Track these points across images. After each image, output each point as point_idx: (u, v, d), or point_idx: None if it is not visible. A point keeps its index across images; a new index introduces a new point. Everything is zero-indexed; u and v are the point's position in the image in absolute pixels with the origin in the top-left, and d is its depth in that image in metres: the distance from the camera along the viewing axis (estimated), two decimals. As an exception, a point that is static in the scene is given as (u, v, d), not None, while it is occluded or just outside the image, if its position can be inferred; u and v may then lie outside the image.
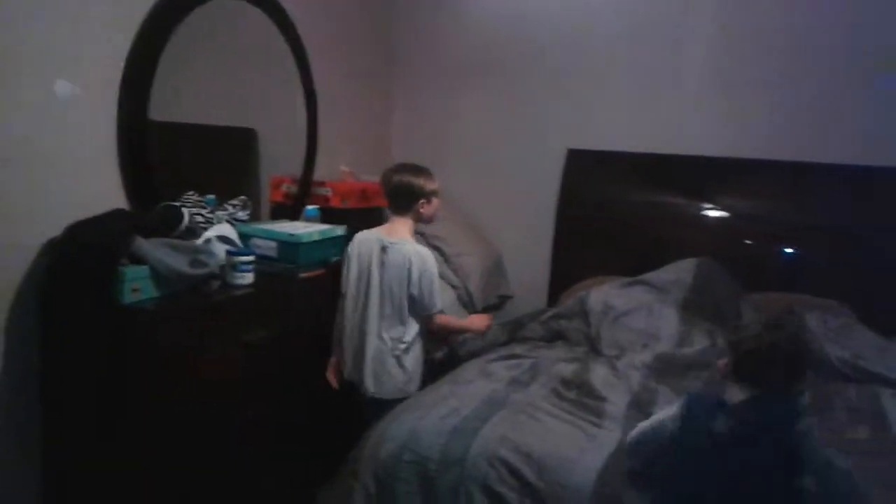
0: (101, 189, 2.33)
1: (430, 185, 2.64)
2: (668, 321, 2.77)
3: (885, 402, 2.35)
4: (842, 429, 2.14)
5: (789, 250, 3.45)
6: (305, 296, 2.63)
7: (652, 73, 3.76)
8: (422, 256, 2.55)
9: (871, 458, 1.91)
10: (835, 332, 2.82)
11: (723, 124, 3.64)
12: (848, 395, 2.39)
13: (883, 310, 3.08)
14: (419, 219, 2.65)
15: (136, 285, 2.03)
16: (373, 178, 3.53)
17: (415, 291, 2.50)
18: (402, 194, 2.61)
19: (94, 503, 2.09)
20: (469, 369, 2.49)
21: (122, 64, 2.35)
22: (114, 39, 2.32)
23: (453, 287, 3.66)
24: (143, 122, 2.39)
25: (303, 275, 2.59)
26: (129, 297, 2.02)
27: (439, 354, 3.03)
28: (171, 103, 2.51)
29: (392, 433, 2.00)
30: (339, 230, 2.81)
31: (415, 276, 2.50)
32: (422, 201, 2.61)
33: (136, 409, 2.04)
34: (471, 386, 2.28)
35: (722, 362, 1.85)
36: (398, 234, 2.59)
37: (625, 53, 3.80)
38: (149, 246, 2.08)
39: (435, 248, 3.65)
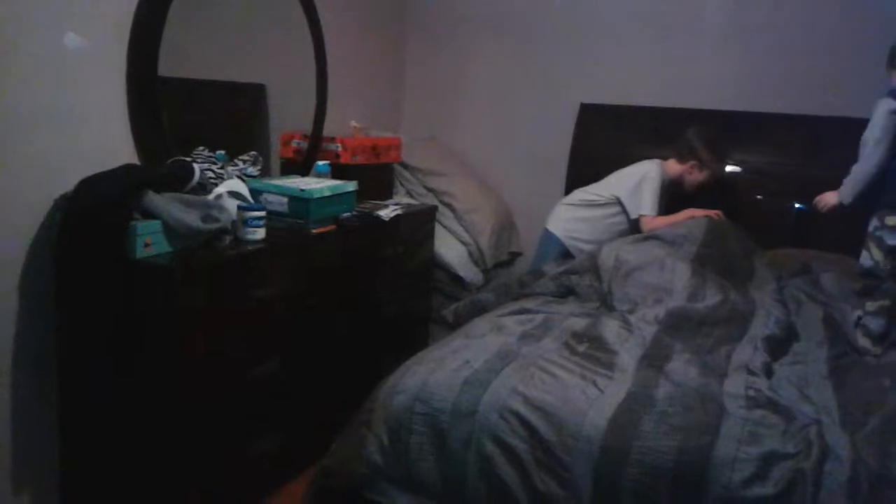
0: (111, 144, 2.34)
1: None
2: (680, 275, 2.76)
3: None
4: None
5: (801, 206, 3.42)
6: (317, 251, 2.63)
7: (666, 27, 3.71)
8: None
9: None
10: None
11: (738, 78, 3.60)
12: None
13: None
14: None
15: (149, 240, 2.05)
16: (384, 134, 3.52)
17: None
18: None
19: (108, 451, 2.13)
20: (481, 323, 2.50)
21: (130, 19, 2.34)
22: (122, -7, 2.30)
23: (464, 243, 3.67)
24: (152, 77, 2.38)
25: (314, 230, 2.60)
26: (141, 252, 2.03)
27: (449, 315, 3.05)
28: (180, 59, 2.49)
29: (404, 385, 2.02)
30: (350, 186, 2.81)
31: None
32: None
33: (148, 363, 2.07)
34: (483, 340, 2.29)
35: None
36: None
37: (639, 6, 3.74)
38: (160, 201, 2.09)
39: (446, 205, 3.66)
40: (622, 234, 3.32)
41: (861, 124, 3.00)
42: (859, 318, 2.56)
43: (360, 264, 2.86)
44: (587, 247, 3.29)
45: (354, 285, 2.83)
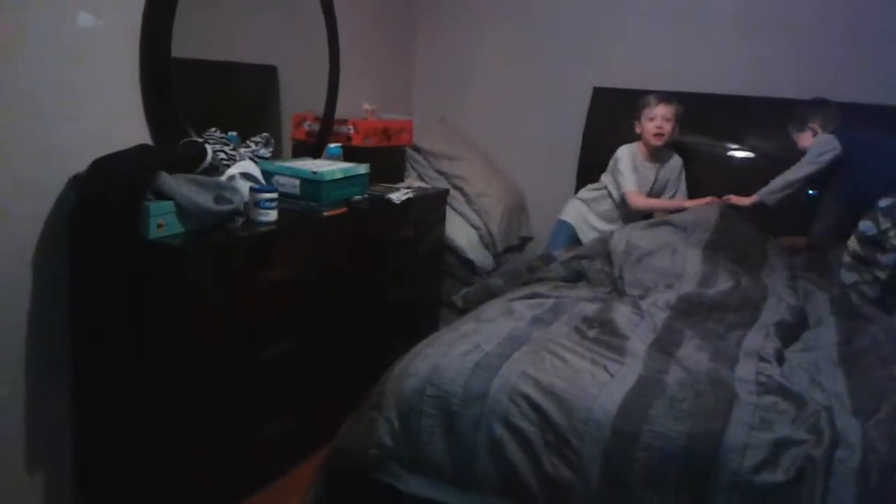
0: (125, 125, 2.34)
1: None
2: (691, 261, 2.75)
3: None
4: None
5: (814, 192, 3.40)
6: (328, 234, 2.63)
7: (680, 10, 3.69)
8: None
9: None
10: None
11: (752, 62, 3.57)
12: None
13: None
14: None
15: (162, 221, 2.05)
16: (396, 117, 3.51)
17: None
18: None
19: (120, 432, 2.15)
20: (492, 308, 2.50)
21: (143, 1, 2.34)
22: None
23: (474, 227, 3.67)
24: (165, 58, 2.39)
25: (326, 213, 2.60)
26: (154, 233, 2.04)
27: (458, 300, 3.05)
28: (192, 40, 2.49)
29: (415, 368, 2.02)
30: (362, 168, 2.80)
31: None
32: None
33: (160, 344, 2.08)
34: (493, 324, 2.29)
35: None
36: None
37: (653, -11, 3.72)
38: (173, 182, 2.09)
39: (457, 189, 3.66)
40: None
41: (872, 110, 2.99)
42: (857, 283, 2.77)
43: (372, 247, 2.86)
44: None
45: (365, 268, 2.83)
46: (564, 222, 3.55)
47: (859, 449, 1.69)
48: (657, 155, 3.44)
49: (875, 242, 2.75)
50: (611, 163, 3.48)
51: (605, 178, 3.53)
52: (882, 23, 3.01)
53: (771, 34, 3.52)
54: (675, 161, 3.52)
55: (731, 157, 3.60)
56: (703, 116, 3.63)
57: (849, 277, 2.81)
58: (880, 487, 1.63)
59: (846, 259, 2.83)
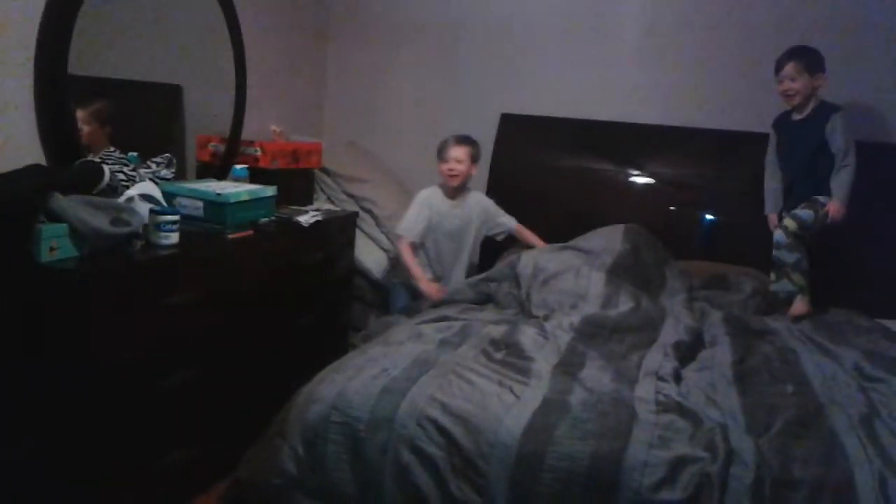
0: (17, 144, 2.25)
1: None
2: (595, 283, 2.83)
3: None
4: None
5: (712, 217, 3.55)
6: (233, 257, 2.58)
7: (584, 41, 3.81)
8: None
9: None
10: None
11: (651, 92, 3.72)
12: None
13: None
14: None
15: (55, 244, 1.97)
16: (304, 139, 3.48)
17: None
18: None
19: (17, 454, 2.04)
20: (400, 331, 2.50)
21: (39, 14, 2.25)
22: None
23: (384, 250, 3.66)
24: (62, 75, 2.30)
25: (231, 236, 2.54)
26: (46, 257, 1.95)
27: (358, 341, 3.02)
28: (92, 57, 2.42)
29: (320, 394, 1.99)
30: (269, 191, 2.76)
31: None
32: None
33: (54, 371, 1.99)
34: (401, 347, 2.29)
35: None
36: None
37: (560, 19, 3.82)
38: (67, 203, 2.01)
39: (366, 211, 3.65)
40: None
41: (766, 139, 3.16)
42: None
43: (279, 271, 2.81)
44: None
45: (273, 292, 2.78)
46: (397, 283, 3.50)
47: (753, 465, 1.76)
48: (458, 195, 3.43)
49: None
50: None
51: None
52: (777, 53, 3.16)
53: (670, 65, 3.67)
54: (478, 199, 3.51)
55: (633, 184, 3.71)
56: (606, 143, 3.75)
57: (790, 258, 2.97)
58: (773, 502, 1.70)
59: (785, 240, 2.97)
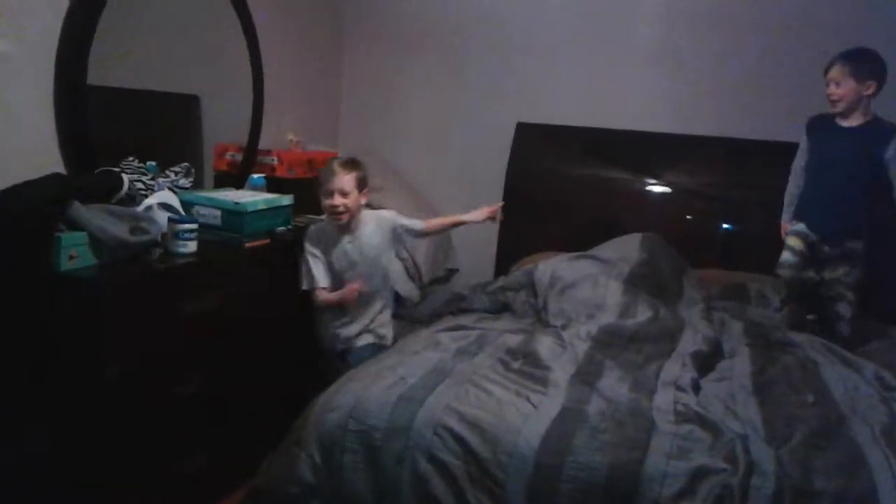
0: (37, 153, 2.27)
1: None
2: (612, 292, 2.81)
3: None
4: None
5: (729, 226, 3.53)
6: (250, 266, 2.59)
7: (600, 49, 3.80)
8: None
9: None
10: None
11: (669, 101, 3.70)
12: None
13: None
14: None
15: (74, 252, 1.98)
16: (320, 148, 3.49)
17: None
18: None
19: (33, 462, 2.05)
20: (416, 340, 2.49)
21: (59, 25, 2.27)
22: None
23: (400, 259, 3.65)
24: (81, 85, 2.32)
25: (248, 244, 2.55)
26: (65, 265, 1.97)
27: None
28: (111, 68, 2.44)
29: (337, 402, 1.99)
30: (286, 199, 2.77)
31: None
32: None
33: (71, 379, 2.00)
34: (418, 356, 2.28)
35: None
36: None
37: (575, 28, 3.82)
38: (87, 212, 2.03)
39: (383, 220, 3.63)
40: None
41: (783, 148, 3.12)
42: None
43: (295, 279, 2.81)
44: None
45: (288, 301, 2.79)
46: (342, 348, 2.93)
47: (773, 476, 1.74)
48: (351, 227, 2.80)
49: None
50: None
51: None
52: (793, 64, 3.14)
53: (686, 74, 3.66)
54: (378, 220, 2.89)
55: (650, 193, 3.70)
56: (623, 152, 3.73)
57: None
58: (793, 513, 1.68)
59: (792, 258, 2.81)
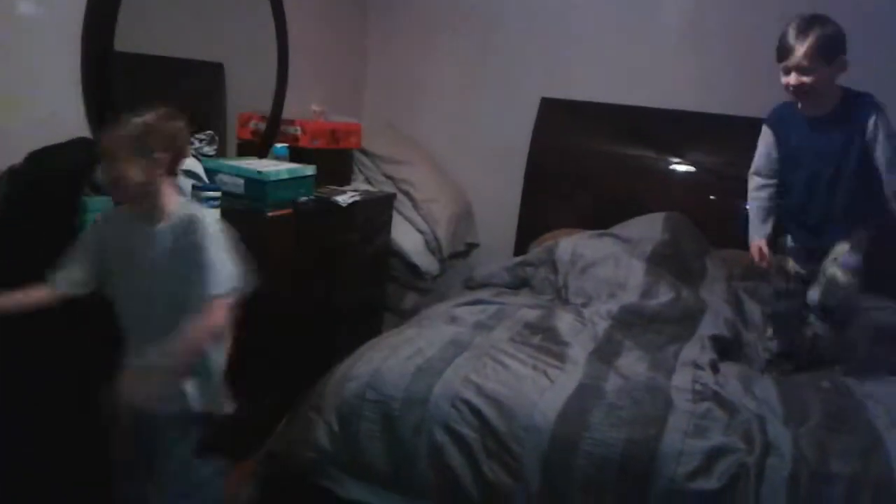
0: (64, 118, 2.27)
1: None
2: (634, 272, 2.80)
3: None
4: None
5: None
6: (272, 235, 2.60)
7: (627, 25, 3.75)
8: None
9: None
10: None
11: (694, 79, 3.65)
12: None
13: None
14: None
15: (99, 216, 1.99)
16: (345, 119, 3.49)
17: None
18: None
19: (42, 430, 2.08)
20: (435, 313, 2.50)
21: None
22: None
23: (421, 232, 3.66)
24: (108, 51, 2.33)
25: (270, 214, 2.56)
26: (90, 228, 1.98)
27: None
28: (137, 35, 2.44)
29: (356, 372, 2.01)
30: (309, 170, 2.78)
31: None
32: None
33: (94, 344, 2.02)
34: (436, 329, 2.30)
35: None
36: None
37: (601, 4, 3.77)
38: (112, 177, 2.03)
39: (404, 193, 3.65)
40: None
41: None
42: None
43: (316, 249, 2.83)
44: None
45: (309, 270, 2.80)
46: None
47: (790, 457, 1.74)
48: None
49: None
50: None
51: None
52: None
53: (713, 52, 3.60)
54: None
55: (674, 171, 3.67)
56: (647, 130, 3.70)
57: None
58: (810, 494, 1.68)
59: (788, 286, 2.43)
